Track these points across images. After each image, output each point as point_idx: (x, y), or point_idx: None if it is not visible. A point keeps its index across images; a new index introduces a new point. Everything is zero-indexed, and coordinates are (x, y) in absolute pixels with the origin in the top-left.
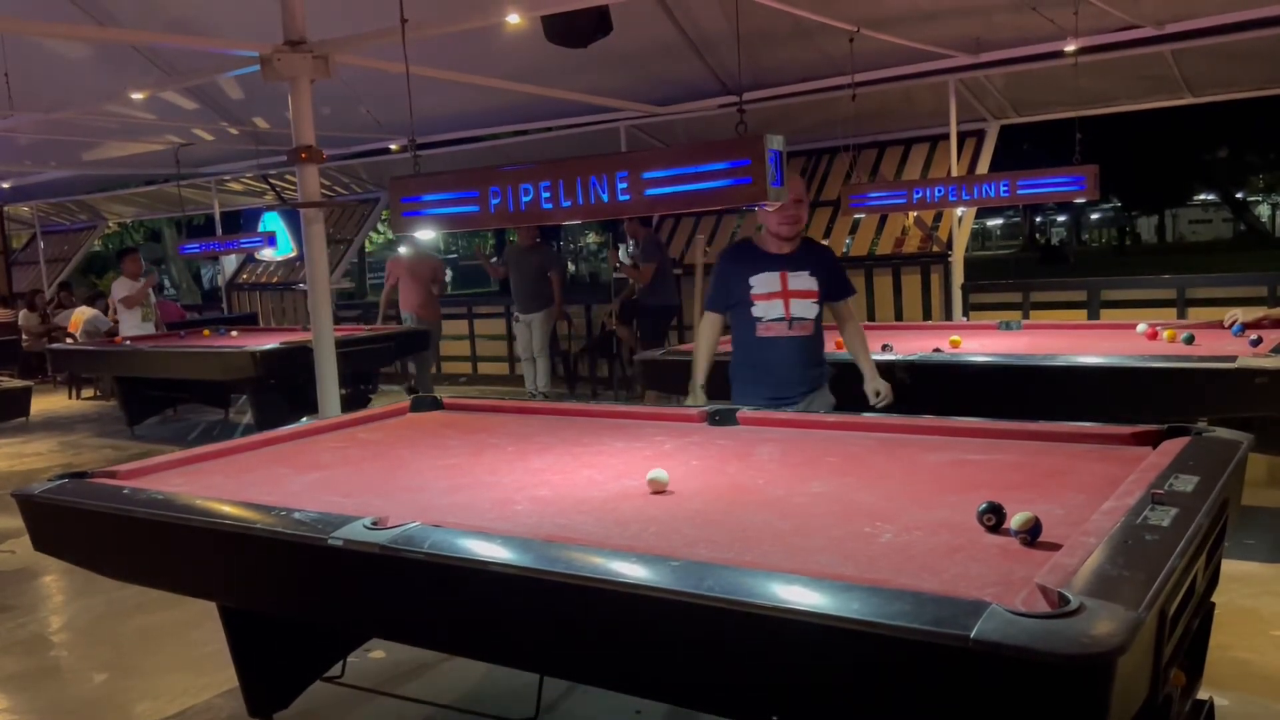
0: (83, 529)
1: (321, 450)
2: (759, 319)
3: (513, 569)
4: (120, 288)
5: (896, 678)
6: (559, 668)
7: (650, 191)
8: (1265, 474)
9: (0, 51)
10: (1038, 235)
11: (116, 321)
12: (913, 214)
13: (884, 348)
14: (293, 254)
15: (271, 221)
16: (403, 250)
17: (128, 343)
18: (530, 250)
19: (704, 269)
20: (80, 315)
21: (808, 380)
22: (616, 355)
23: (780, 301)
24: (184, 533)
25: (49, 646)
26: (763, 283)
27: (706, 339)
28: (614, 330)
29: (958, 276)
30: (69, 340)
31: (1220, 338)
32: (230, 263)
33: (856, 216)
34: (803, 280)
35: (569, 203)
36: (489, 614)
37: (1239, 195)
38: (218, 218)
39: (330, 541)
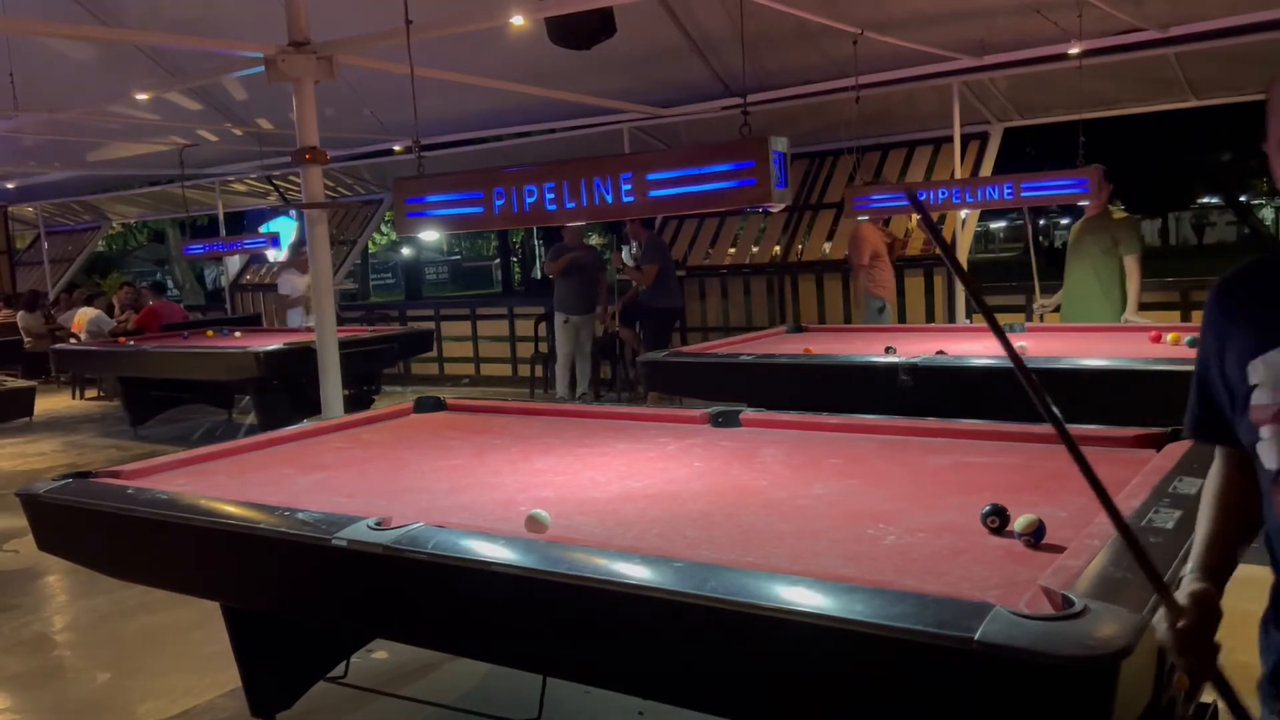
0: (87, 529)
1: (325, 451)
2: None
3: (516, 570)
4: (298, 283)
5: (900, 679)
6: (562, 668)
7: (654, 193)
8: None
9: (5, 52)
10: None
11: (121, 322)
12: (916, 216)
13: (887, 350)
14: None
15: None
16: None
17: (131, 343)
18: (586, 250)
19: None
20: (83, 316)
21: None
22: (619, 357)
23: None
24: (187, 533)
25: (52, 646)
26: (1270, 373)
27: (1212, 494)
28: (617, 332)
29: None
30: (73, 340)
31: None
32: (234, 263)
33: (860, 219)
34: None
35: (573, 204)
36: (492, 615)
37: (1243, 199)
38: (221, 219)
39: (334, 542)
